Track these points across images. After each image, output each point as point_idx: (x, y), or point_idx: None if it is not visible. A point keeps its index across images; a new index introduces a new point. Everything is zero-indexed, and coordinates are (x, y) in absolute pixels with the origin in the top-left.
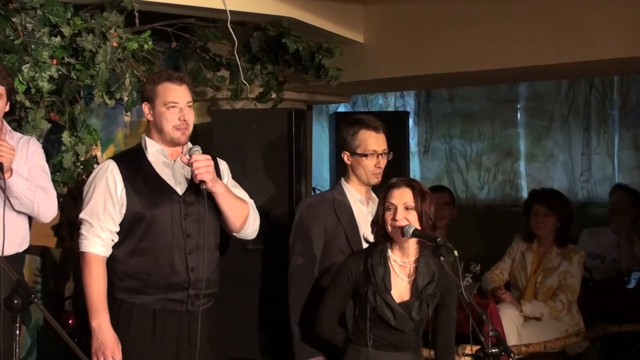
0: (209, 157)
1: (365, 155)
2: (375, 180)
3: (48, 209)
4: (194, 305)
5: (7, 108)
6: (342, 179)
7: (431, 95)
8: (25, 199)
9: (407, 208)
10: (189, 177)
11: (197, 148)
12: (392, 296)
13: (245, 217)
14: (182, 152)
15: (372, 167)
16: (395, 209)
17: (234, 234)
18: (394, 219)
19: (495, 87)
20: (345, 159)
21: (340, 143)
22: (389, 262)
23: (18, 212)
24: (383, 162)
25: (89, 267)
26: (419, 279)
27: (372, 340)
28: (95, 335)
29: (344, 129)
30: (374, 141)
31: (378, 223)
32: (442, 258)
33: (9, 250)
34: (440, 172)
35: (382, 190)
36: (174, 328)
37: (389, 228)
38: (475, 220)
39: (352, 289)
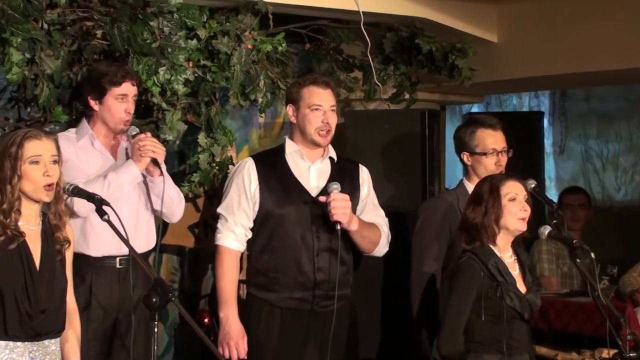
0: (347, 197)
1: (485, 154)
2: None
3: (180, 209)
4: (319, 306)
5: None
6: (464, 178)
7: (566, 94)
8: (168, 198)
9: (525, 200)
10: (325, 182)
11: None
12: (520, 290)
13: (376, 244)
14: (322, 155)
15: (493, 165)
16: (520, 200)
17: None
18: (523, 210)
19: (631, 87)
20: (465, 159)
21: (459, 144)
22: (502, 260)
23: (144, 211)
24: (503, 159)
25: (221, 260)
26: (525, 268)
27: (506, 344)
28: (222, 326)
29: (461, 130)
30: (492, 139)
31: (479, 221)
32: (578, 260)
33: (139, 249)
34: (576, 173)
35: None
36: (300, 327)
37: (512, 221)
38: (612, 222)
39: (476, 296)
